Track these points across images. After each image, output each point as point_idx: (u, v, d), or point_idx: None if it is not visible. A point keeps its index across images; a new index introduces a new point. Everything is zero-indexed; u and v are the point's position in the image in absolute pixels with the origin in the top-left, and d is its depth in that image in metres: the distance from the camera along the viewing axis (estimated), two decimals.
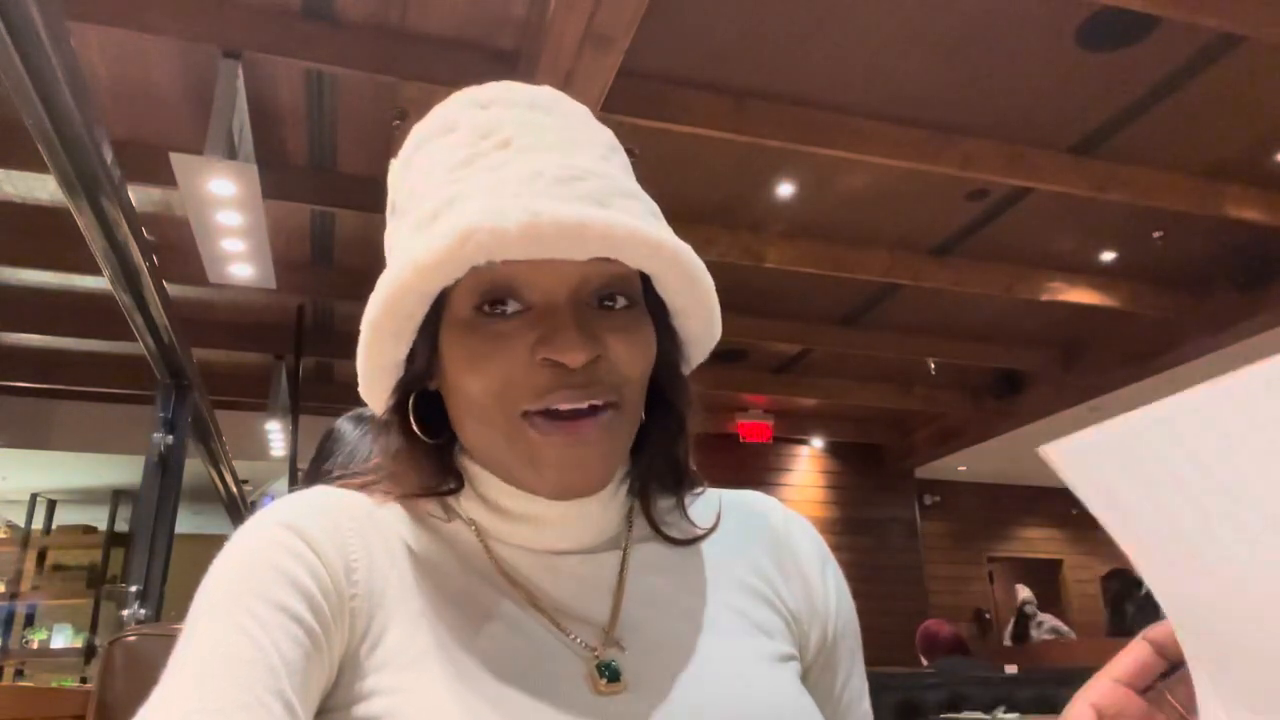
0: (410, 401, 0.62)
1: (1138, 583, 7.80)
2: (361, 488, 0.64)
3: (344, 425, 1.29)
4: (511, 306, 0.57)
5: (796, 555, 0.69)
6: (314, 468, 1.26)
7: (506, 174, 0.56)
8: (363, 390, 0.63)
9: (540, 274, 0.56)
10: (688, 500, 0.68)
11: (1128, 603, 7.68)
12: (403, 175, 0.64)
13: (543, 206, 0.53)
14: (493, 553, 0.61)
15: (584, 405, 0.56)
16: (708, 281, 0.61)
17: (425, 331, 0.59)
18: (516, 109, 0.61)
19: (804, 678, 0.65)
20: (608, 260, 0.56)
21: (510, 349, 0.56)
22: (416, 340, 0.60)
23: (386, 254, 0.63)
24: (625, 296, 0.59)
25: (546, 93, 0.63)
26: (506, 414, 0.57)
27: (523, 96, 0.62)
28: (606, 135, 0.64)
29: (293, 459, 5.68)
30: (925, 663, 4.25)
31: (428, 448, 0.62)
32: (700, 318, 0.63)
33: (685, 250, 0.58)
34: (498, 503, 0.61)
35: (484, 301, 0.57)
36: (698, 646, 0.59)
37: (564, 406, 0.56)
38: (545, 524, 0.61)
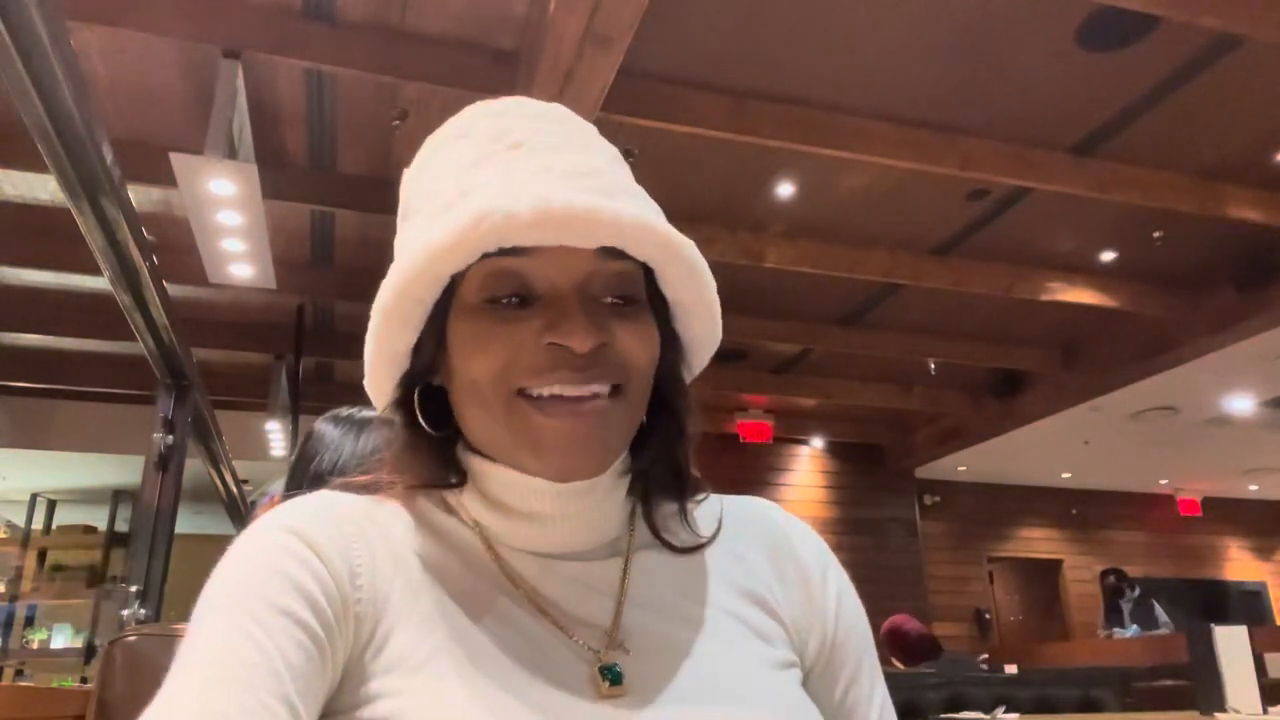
0: (415, 395, 0.63)
1: (1132, 582, 7.84)
2: (364, 487, 0.64)
3: (323, 426, 1.27)
4: (520, 297, 0.58)
5: (796, 561, 0.69)
6: (297, 471, 1.24)
7: (517, 168, 0.58)
8: (368, 382, 0.63)
9: (549, 267, 0.58)
10: (690, 506, 0.69)
11: (1122, 600, 7.72)
12: (416, 180, 0.65)
13: (555, 194, 0.55)
14: (496, 554, 0.61)
15: (586, 392, 0.57)
16: (710, 277, 0.62)
17: (433, 323, 0.60)
18: (528, 118, 0.63)
19: (805, 683, 0.65)
20: (613, 258, 0.58)
21: (516, 333, 0.57)
22: (424, 331, 0.61)
23: (396, 256, 0.65)
24: (630, 294, 0.60)
25: (558, 108, 0.66)
26: (504, 394, 0.57)
27: (534, 108, 0.65)
28: (613, 149, 0.66)
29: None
30: (901, 667, 3.86)
31: (431, 440, 0.63)
32: (702, 316, 0.64)
33: (689, 244, 0.60)
34: (501, 500, 0.61)
35: (493, 291, 0.58)
36: (698, 652, 0.60)
37: (567, 393, 0.57)
38: (548, 523, 0.61)
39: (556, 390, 0.57)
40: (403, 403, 0.63)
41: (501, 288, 0.58)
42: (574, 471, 0.58)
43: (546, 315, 0.57)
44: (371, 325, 0.59)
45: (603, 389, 0.58)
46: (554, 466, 0.58)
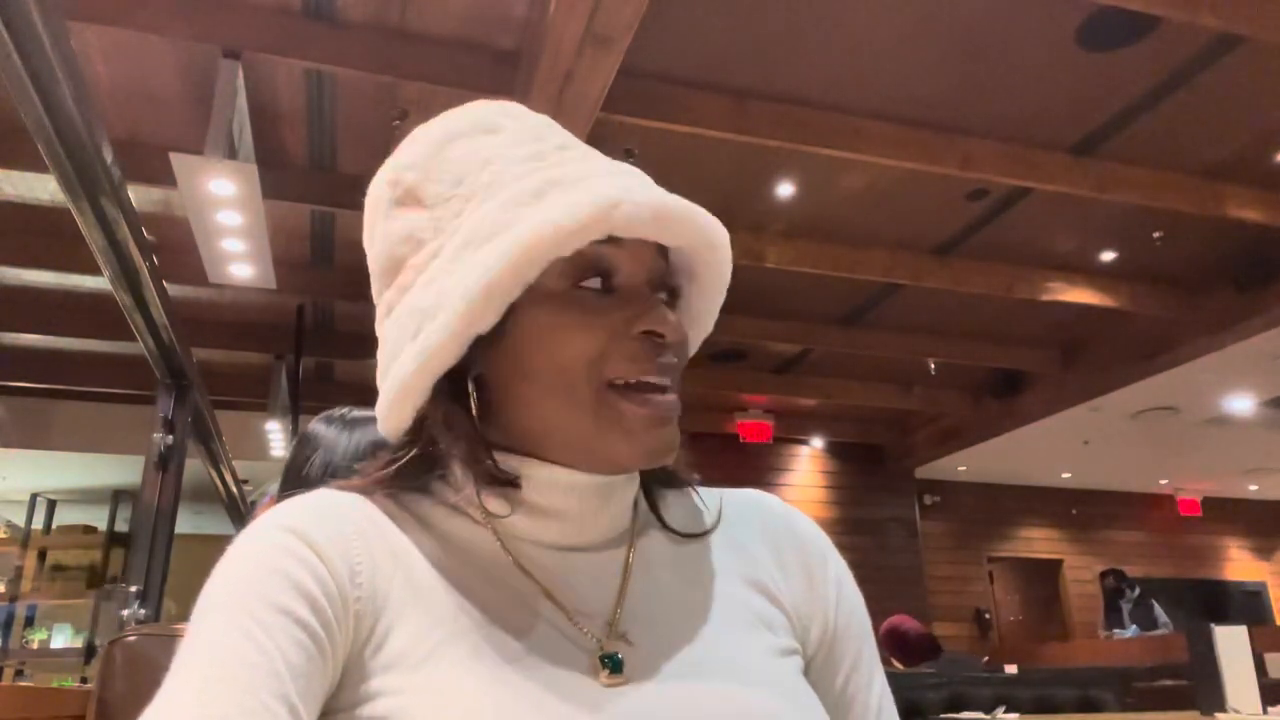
0: (468, 387, 0.61)
1: (1131, 582, 7.85)
2: (365, 486, 0.63)
3: (318, 427, 1.26)
4: (601, 285, 0.59)
5: (796, 550, 0.70)
6: (291, 472, 1.24)
7: (590, 166, 0.60)
8: (417, 372, 0.59)
9: (628, 259, 0.59)
10: (688, 492, 0.70)
11: (1121, 600, 7.74)
12: (435, 164, 0.63)
13: (662, 192, 0.58)
14: (507, 548, 0.61)
15: (667, 381, 0.60)
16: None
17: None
18: (547, 124, 0.65)
19: (806, 672, 0.66)
20: (663, 256, 0.62)
21: (605, 321, 0.58)
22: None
23: (410, 236, 0.62)
24: (672, 290, 0.64)
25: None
26: (593, 382, 0.58)
27: (535, 112, 0.67)
28: None
29: None
30: (901, 667, 3.86)
31: (478, 436, 0.60)
32: (708, 321, 0.68)
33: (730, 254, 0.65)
34: (524, 496, 0.61)
35: (578, 278, 0.59)
36: (700, 640, 0.60)
37: (652, 380, 0.59)
38: (568, 519, 0.61)
39: (648, 378, 0.58)
40: (454, 397, 0.61)
41: (586, 275, 0.59)
42: (660, 455, 0.60)
43: (631, 306, 0.59)
44: (466, 306, 0.56)
45: (670, 381, 0.60)
46: (643, 452, 0.59)
